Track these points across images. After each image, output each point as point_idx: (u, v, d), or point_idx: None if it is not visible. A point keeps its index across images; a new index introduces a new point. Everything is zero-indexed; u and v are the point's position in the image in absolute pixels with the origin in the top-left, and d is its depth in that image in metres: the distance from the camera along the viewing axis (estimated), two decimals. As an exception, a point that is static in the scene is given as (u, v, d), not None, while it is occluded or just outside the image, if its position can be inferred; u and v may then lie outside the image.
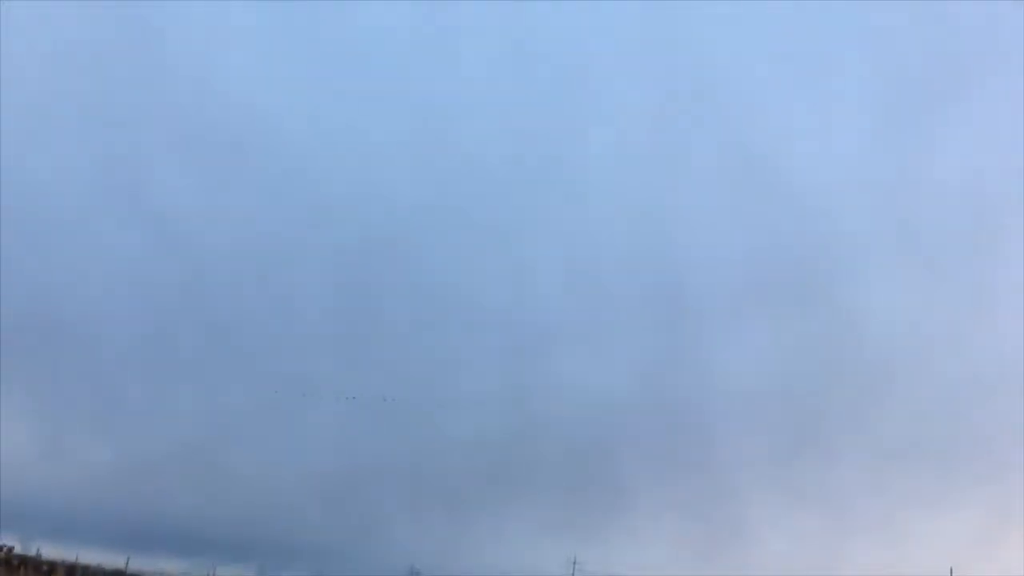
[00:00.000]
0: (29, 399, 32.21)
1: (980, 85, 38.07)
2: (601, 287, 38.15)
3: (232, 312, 35.53)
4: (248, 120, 34.98)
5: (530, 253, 38.04)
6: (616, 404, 37.96)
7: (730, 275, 37.67)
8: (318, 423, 35.56)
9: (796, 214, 37.40)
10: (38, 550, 22.82)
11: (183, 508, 30.02)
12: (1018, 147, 36.91)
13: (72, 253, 34.42)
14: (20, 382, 32.22)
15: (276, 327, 35.80)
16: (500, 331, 37.96)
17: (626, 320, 38.03)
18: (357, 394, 36.17)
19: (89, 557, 24.39)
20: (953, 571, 28.52)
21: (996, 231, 37.34)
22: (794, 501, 35.94)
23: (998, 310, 36.17)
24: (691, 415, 38.53)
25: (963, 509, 32.65)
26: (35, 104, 33.15)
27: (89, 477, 29.47)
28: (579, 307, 38.46)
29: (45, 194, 33.67)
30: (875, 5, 37.45)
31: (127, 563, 24.85)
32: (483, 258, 37.71)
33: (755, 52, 38.21)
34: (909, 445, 34.85)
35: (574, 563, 33.38)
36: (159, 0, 33.86)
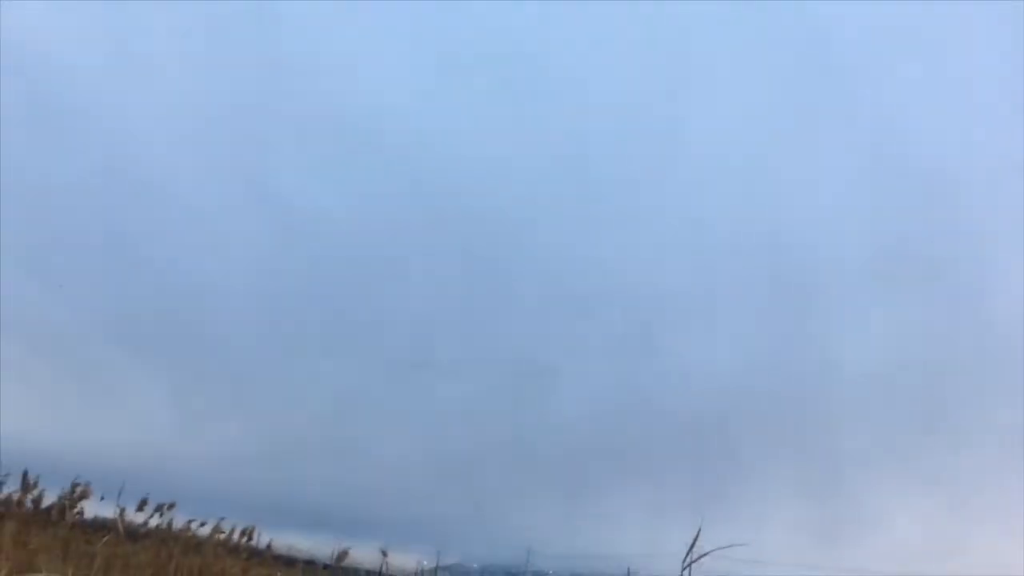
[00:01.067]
0: (167, 383, 33.74)
1: None
2: (720, 268, 37.51)
3: (356, 295, 36.44)
4: (367, 110, 35.40)
5: (646, 237, 37.66)
6: (734, 385, 37.12)
7: (851, 256, 36.45)
8: (440, 401, 36.06)
9: (921, 195, 35.93)
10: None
11: (310, 484, 30.43)
12: None
13: (202, 243, 36.18)
14: (160, 368, 33.64)
15: (398, 308, 36.47)
16: (618, 313, 37.74)
17: (745, 300, 37.16)
18: (479, 372, 36.66)
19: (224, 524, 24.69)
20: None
21: None
22: (918, 487, 35.00)
23: None
24: (811, 397, 37.54)
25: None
26: (162, 99, 34.19)
27: (223, 455, 30.49)
28: (698, 287, 37.91)
29: (176, 187, 35.08)
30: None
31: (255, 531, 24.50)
32: (599, 243, 37.38)
33: (880, 29, 37.01)
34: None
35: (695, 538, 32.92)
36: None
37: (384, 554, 13.27)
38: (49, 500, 8.87)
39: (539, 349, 37.27)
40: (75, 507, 8.79)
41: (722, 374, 36.60)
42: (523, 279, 37.22)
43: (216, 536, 9.80)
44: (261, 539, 10.63)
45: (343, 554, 11.04)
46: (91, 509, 9.21)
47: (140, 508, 9.30)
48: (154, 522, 9.48)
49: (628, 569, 28.50)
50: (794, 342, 37.04)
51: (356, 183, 36.73)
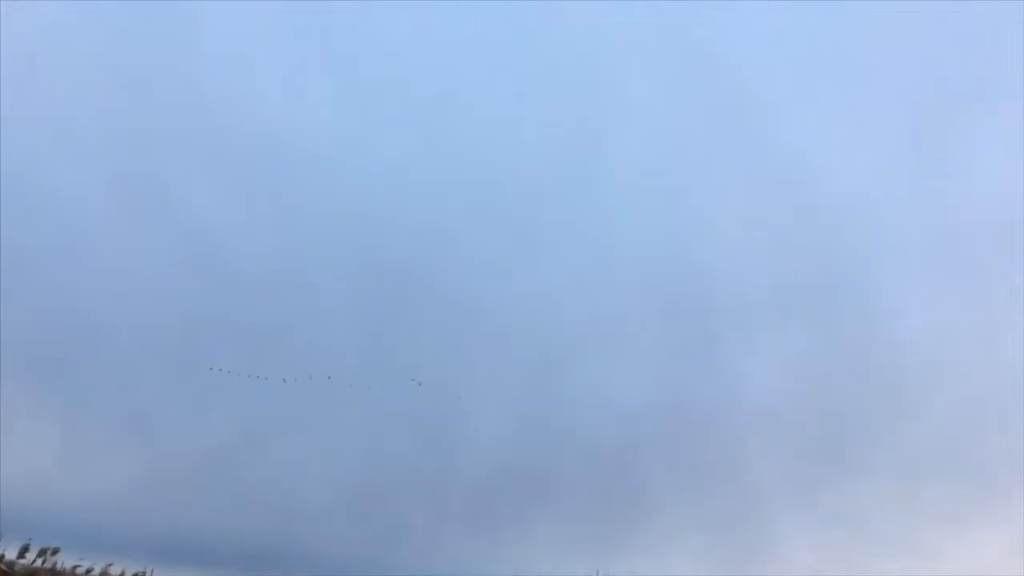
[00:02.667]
0: (56, 409, 31.88)
1: (1010, 94, 38.84)
2: (625, 298, 38.00)
3: (258, 324, 35.24)
4: (276, 135, 34.91)
5: (554, 264, 37.79)
6: (641, 415, 37.68)
7: (755, 286, 37.50)
8: (342, 432, 34.98)
9: (822, 226, 37.49)
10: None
11: (208, 517, 28.89)
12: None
13: (101, 264, 34.61)
14: (48, 392, 31.89)
15: (302, 338, 35.35)
16: (525, 341, 37.66)
17: (650, 331, 37.87)
18: (381, 406, 35.74)
19: (114, 568, 23.30)
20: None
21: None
22: (819, 516, 35.90)
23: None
24: (716, 427, 38.30)
25: (993, 525, 32.29)
26: (66, 113, 32.70)
27: (115, 487, 28.85)
28: (603, 318, 38.28)
29: (75, 205, 33.97)
30: (901, 11, 38.56)
31: (150, 574, 23.30)
32: (507, 269, 37.36)
33: (782, 64, 38.67)
34: (937, 460, 34.59)
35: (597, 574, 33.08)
36: (192, 12, 33.28)
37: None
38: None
39: (446, 376, 36.76)
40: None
41: (629, 404, 37.10)
42: (431, 304, 36.83)
43: (105, 580, 9.08)
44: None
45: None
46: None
47: (22, 554, 8.50)
48: (38, 565, 8.70)
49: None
50: (700, 372, 37.82)
51: (263, 199, 35.71)
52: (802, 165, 38.80)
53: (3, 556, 8.38)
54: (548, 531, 35.16)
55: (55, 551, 9.01)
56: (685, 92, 38.96)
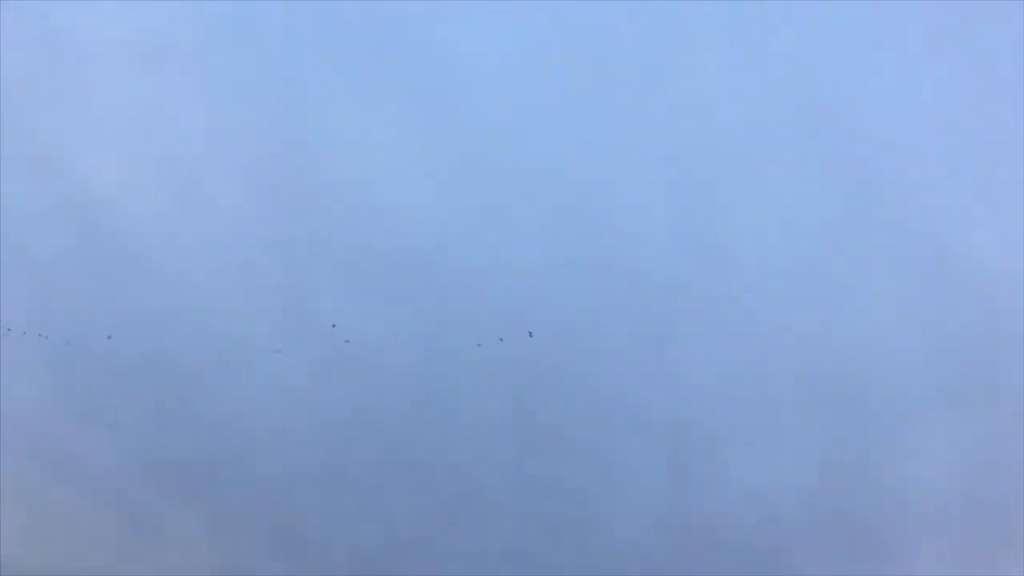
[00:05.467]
0: (207, 527, 32.69)
1: None
2: (767, 389, 36.71)
3: (403, 431, 35.38)
4: (412, 240, 35.22)
5: (689, 355, 36.87)
6: (788, 513, 36.28)
7: (908, 376, 35.32)
8: (491, 540, 34.88)
9: (983, 311, 35.54)
10: None
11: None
12: None
13: (248, 379, 35.05)
14: (199, 512, 32.80)
15: (443, 444, 35.47)
16: (663, 435, 36.78)
17: (795, 423, 36.46)
18: (526, 510, 35.65)
19: None
20: None
21: None
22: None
23: None
24: (870, 526, 36.35)
25: None
26: (215, 235, 34.07)
27: None
28: (744, 410, 37.05)
29: (221, 321, 34.51)
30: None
31: None
32: (641, 361, 36.56)
33: (919, 133, 37.04)
34: None
35: None
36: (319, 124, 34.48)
37: None
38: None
39: (589, 481, 36.35)
40: None
41: (775, 501, 35.71)
42: (574, 408, 36.49)
43: None
44: None
45: None
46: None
47: None
48: None
49: None
50: (851, 468, 35.71)
51: (404, 310, 36.26)
52: (946, 238, 36.97)
53: None
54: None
55: None
56: (822, 170, 37.67)
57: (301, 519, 35.00)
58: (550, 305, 35.17)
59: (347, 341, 34.69)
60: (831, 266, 37.07)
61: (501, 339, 35.21)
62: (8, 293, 34.22)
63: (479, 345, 34.84)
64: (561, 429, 35.91)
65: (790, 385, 35.99)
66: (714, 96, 36.09)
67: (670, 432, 36.01)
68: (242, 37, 34.42)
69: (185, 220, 34.54)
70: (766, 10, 35.74)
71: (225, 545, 34.21)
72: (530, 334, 34.54)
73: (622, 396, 35.79)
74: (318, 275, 35.29)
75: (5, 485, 35.29)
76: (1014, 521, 34.67)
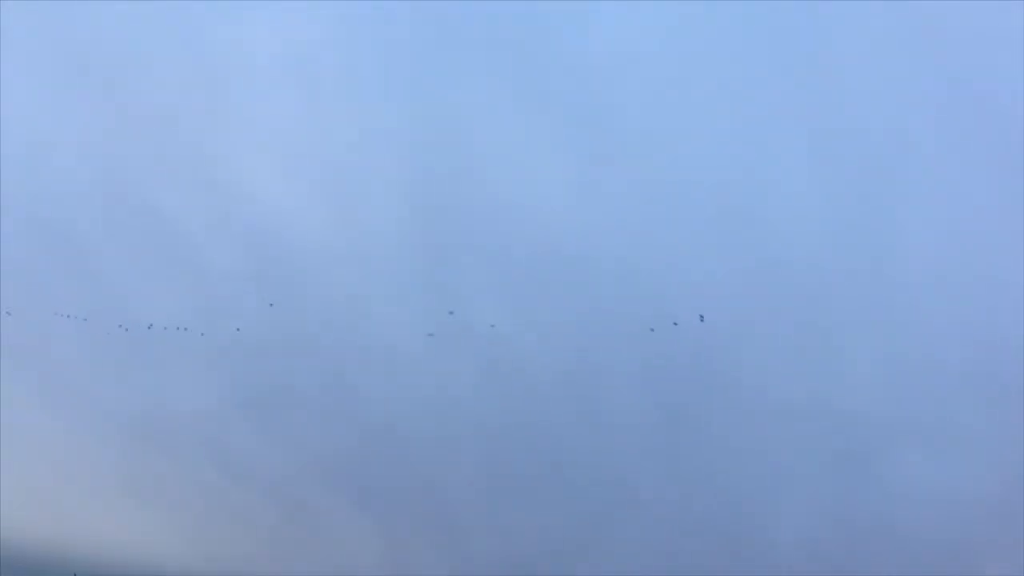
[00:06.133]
0: (369, 528, 34.06)
1: None
2: (939, 381, 34.80)
3: (557, 432, 35.68)
4: (560, 242, 35.42)
5: (851, 348, 35.38)
6: (970, 510, 34.41)
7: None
8: (646, 540, 34.74)
9: None
10: None
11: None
12: None
13: (410, 385, 36.57)
14: (360, 513, 34.35)
15: (597, 442, 35.52)
16: (828, 437, 35.50)
17: (975, 419, 34.49)
18: (681, 509, 35.21)
19: None
20: None
21: None
22: None
23: None
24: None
25: None
26: (368, 251, 35.31)
27: None
28: (913, 404, 35.29)
29: (383, 329, 35.75)
30: None
31: None
32: (800, 355, 35.37)
33: None
34: None
35: None
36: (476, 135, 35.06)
37: None
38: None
39: (742, 479, 35.46)
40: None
41: (952, 499, 33.82)
42: (725, 403, 35.67)
43: None
44: None
45: None
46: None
47: None
48: None
49: None
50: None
51: (555, 325, 36.46)
52: None
53: None
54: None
55: None
56: (982, 156, 35.36)
57: (458, 519, 35.76)
58: (710, 299, 34.55)
59: (498, 339, 35.19)
60: (994, 246, 34.91)
61: (652, 329, 34.85)
62: (180, 298, 36.50)
63: (652, 330, 34.53)
64: (717, 426, 35.19)
65: (963, 376, 34.05)
66: (874, 93, 34.65)
67: (832, 432, 34.69)
68: (395, 49, 35.51)
69: (341, 228, 35.92)
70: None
71: (385, 545, 35.40)
72: (701, 318, 34.05)
73: (775, 390, 34.76)
74: (471, 280, 36.07)
75: (181, 486, 37.64)
76: None
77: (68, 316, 36.78)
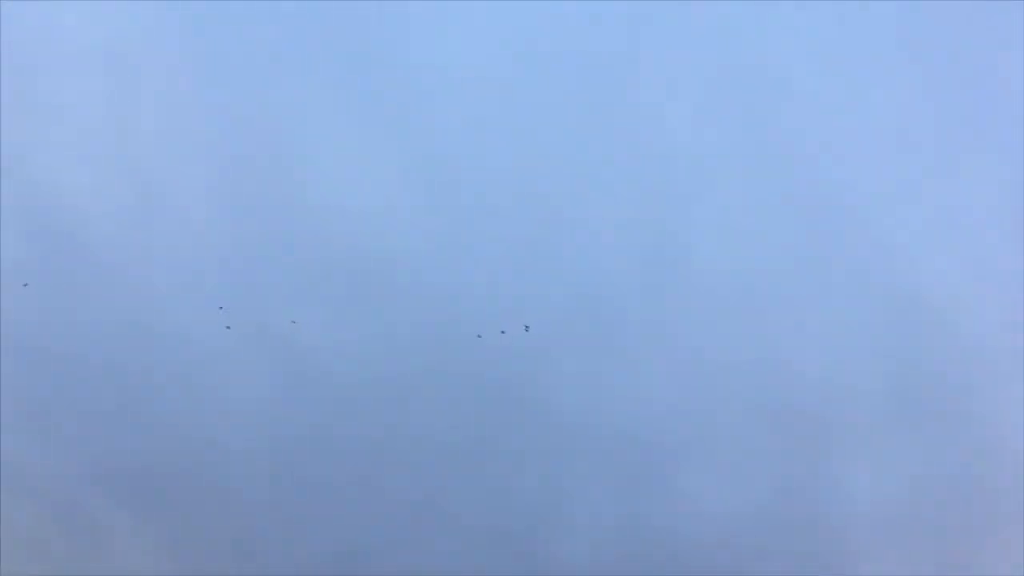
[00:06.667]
0: (163, 538, 32.68)
1: None
2: (724, 403, 37.12)
3: (360, 444, 35.46)
4: (373, 247, 35.68)
5: (645, 369, 37.22)
6: (746, 528, 36.56)
7: (865, 390, 35.98)
8: (442, 552, 34.82)
9: (933, 325, 36.20)
10: None
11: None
12: None
13: (209, 390, 35.46)
14: (154, 522, 32.81)
15: (401, 459, 35.52)
16: (617, 452, 37.00)
17: (752, 437, 36.87)
18: (473, 524, 35.59)
19: None
20: None
21: None
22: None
23: None
24: (829, 542, 36.85)
25: None
26: (170, 243, 34.38)
27: None
28: (700, 424, 37.44)
29: (183, 333, 34.94)
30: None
31: None
32: (595, 379, 36.86)
33: (879, 147, 37.79)
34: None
35: None
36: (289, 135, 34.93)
37: None
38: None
39: (538, 497, 36.45)
40: None
41: (732, 516, 35.91)
42: (523, 417, 36.61)
43: None
44: None
45: None
46: None
47: None
48: None
49: None
50: (808, 482, 36.13)
51: (363, 322, 36.39)
52: (896, 257, 37.73)
53: None
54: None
55: None
56: (766, 187, 38.33)
57: (251, 532, 34.71)
58: (507, 316, 35.52)
59: (302, 342, 34.85)
60: (787, 280, 37.72)
61: (479, 335, 35.42)
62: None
63: (478, 336, 35.00)
64: (514, 441, 36.02)
65: (746, 398, 36.43)
66: (673, 113, 37.04)
67: (622, 446, 36.21)
68: (212, 41, 34.96)
69: (147, 225, 34.73)
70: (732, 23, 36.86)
71: (169, 559, 33.89)
72: (526, 328, 34.85)
73: (573, 412, 36.05)
74: (276, 280, 35.59)
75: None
76: (966, 536, 35.10)
77: None
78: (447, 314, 35.43)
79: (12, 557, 34.41)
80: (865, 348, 36.93)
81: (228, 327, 34.65)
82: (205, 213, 34.86)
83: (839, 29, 37.06)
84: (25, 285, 33.19)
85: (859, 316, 37.29)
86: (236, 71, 34.37)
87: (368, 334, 35.58)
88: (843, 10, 37.13)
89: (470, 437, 35.82)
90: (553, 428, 36.03)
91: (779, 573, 35.93)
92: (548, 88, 36.16)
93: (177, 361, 34.73)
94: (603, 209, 37.55)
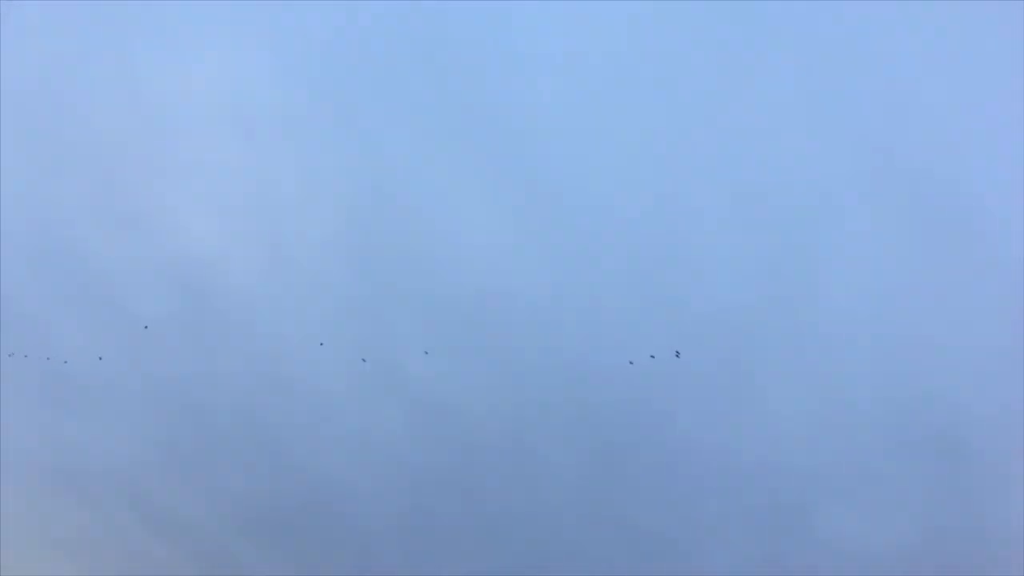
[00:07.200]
0: (299, 570, 33.54)
1: None
2: (864, 436, 35.54)
3: (486, 484, 35.59)
4: (492, 287, 35.94)
5: (777, 406, 36.00)
6: (894, 566, 34.91)
7: (1008, 423, 34.65)
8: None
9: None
10: None
11: None
12: None
13: (336, 436, 36.66)
14: (291, 559, 33.70)
15: (528, 495, 35.44)
16: (754, 490, 35.96)
17: (897, 471, 35.23)
18: (605, 553, 35.16)
19: None
20: None
21: None
22: None
23: None
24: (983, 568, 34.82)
25: None
26: (300, 293, 35.49)
27: None
28: (839, 459, 35.92)
29: (313, 380, 35.91)
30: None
31: None
32: (730, 415, 35.85)
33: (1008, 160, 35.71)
34: None
35: None
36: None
37: None
38: None
39: (674, 541, 35.64)
40: None
41: (879, 554, 34.32)
42: (651, 462, 35.99)
43: None
44: None
45: None
46: None
47: None
48: None
49: None
50: (961, 516, 34.31)
51: (486, 368, 36.55)
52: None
53: None
54: None
55: None
56: (902, 210, 36.57)
57: (382, 566, 35.27)
58: (629, 352, 34.98)
59: (428, 382, 35.15)
60: (922, 303, 35.87)
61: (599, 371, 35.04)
62: (112, 348, 35.91)
63: (631, 363, 34.62)
64: (647, 475, 35.38)
65: (888, 429, 34.77)
66: (792, 138, 35.86)
67: (760, 484, 35.08)
68: (332, 95, 35.92)
69: (276, 279, 35.87)
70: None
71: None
72: (677, 354, 34.37)
73: (706, 448, 35.14)
74: (404, 323, 36.23)
75: (103, 537, 36.55)
76: None
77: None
78: (568, 351, 35.32)
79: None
80: (1011, 371, 34.79)
81: (363, 359, 35.35)
82: (332, 263, 35.86)
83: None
84: (145, 327, 34.63)
85: (1005, 341, 35.19)
86: (359, 128, 35.34)
87: (497, 371, 35.80)
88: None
89: (604, 473, 35.46)
90: (683, 466, 35.28)
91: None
92: (637, 123, 35.96)
93: (306, 410, 35.81)
94: (730, 246, 36.64)
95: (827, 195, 36.56)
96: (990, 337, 36.08)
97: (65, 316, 35.63)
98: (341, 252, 36.33)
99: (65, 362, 35.05)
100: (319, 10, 35.47)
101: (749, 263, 36.22)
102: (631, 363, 35.33)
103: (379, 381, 36.59)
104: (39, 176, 36.65)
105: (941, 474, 34.42)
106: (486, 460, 36.41)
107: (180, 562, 36.51)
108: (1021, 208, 35.09)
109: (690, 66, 36.18)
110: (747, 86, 36.33)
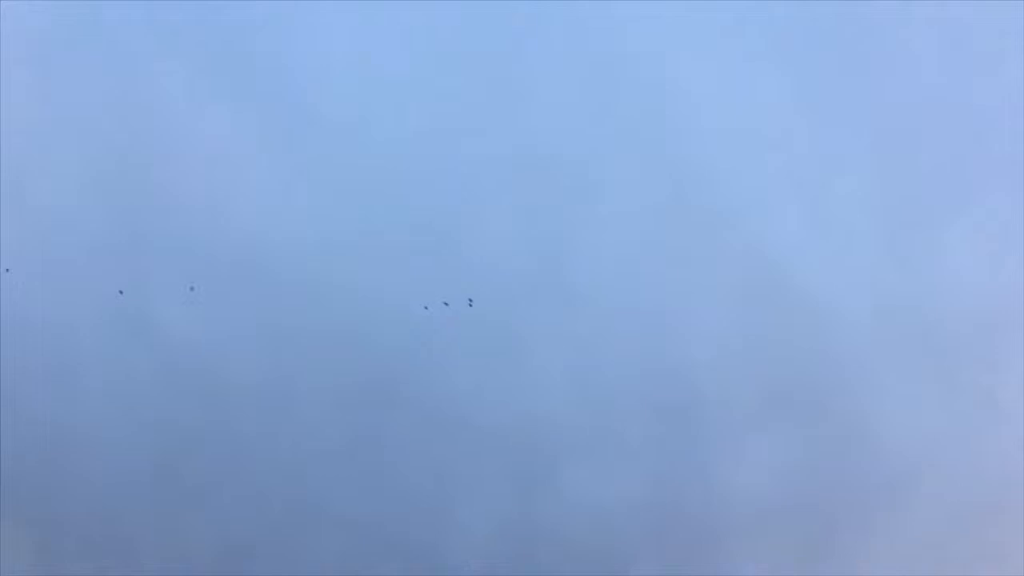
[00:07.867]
0: (31, 533, 31.85)
1: (988, 189, 37.58)
2: (609, 399, 37.89)
3: (238, 440, 35.07)
4: (254, 253, 35.58)
5: (533, 364, 37.68)
6: (626, 523, 37.37)
7: (740, 387, 37.21)
8: (322, 552, 34.68)
9: (806, 322, 37.42)
10: None
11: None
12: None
13: (87, 384, 35.05)
14: (21, 517, 31.91)
15: (281, 450, 35.24)
16: (504, 449, 37.35)
17: (636, 432, 37.76)
18: (361, 522, 35.46)
19: None
20: None
21: (1009, 338, 36.83)
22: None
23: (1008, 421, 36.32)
24: (702, 532, 37.77)
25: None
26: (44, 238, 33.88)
27: None
28: (587, 421, 38.02)
29: (56, 327, 34.46)
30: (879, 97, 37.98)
31: None
32: (485, 372, 37.16)
33: (755, 153, 38.92)
34: (926, 567, 34.56)
35: None
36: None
37: None
38: None
39: (427, 495, 36.55)
40: None
41: (613, 511, 36.73)
42: (407, 418, 36.72)
43: None
44: None
45: None
46: None
47: None
48: None
49: None
50: (686, 475, 37.11)
51: (240, 313, 35.92)
52: (781, 267, 38.84)
53: None
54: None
55: None
56: (662, 186, 38.87)
57: (127, 525, 33.99)
58: (391, 308, 35.61)
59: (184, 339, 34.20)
60: (670, 277, 38.53)
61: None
62: None
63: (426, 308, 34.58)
64: (401, 438, 36.08)
65: (628, 394, 37.24)
66: (552, 119, 37.65)
67: (510, 442, 36.57)
68: (87, 35, 34.35)
69: (14, 218, 33.80)
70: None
71: (36, 553, 32.97)
72: (470, 302, 34.96)
73: (459, 406, 36.24)
74: (153, 278, 35.23)
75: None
76: (834, 524, 36.60)
77: None
78: (331, 315, 35.47)
79: None
80: (742, 346, 38.17)
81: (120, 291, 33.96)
82: (84, 209, 34.44)
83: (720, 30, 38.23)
84: None
85: (741, 318, 38.48)
86: (113, 66, 34.21)
87: (247, 331, 35.36)
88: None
89: (349, 433, 35.77)
90: (438, 422, 36.25)
91: (653, 565, 36.79)
92: (423, 80, 36.91)
93: (49, 357, 34.04)
94: (489, 199, 37.72)
95: (588, 167, 38.40)
96: (724, 320, 39.61)
97: None
98: (97, 197, 34.86)
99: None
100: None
101: (511, 226, 37.49)
102: (426, 308, 35.97)
103: (132, 334, 35.46)
104: None
105: (672, 436, 37.42)
106: (244, 418, 35.84)
107: None
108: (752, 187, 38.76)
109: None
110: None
